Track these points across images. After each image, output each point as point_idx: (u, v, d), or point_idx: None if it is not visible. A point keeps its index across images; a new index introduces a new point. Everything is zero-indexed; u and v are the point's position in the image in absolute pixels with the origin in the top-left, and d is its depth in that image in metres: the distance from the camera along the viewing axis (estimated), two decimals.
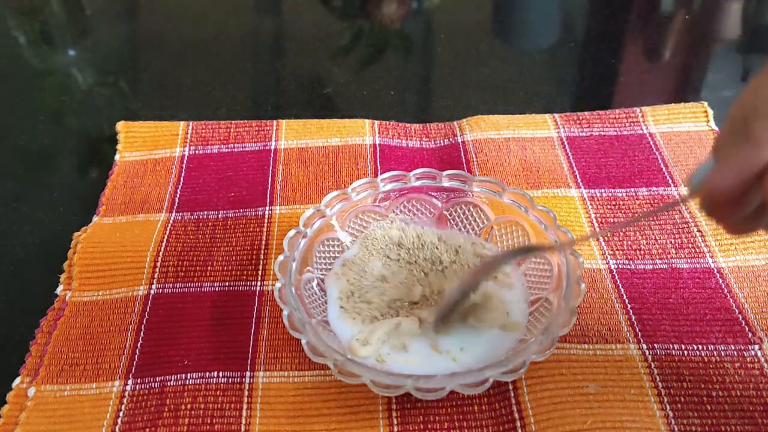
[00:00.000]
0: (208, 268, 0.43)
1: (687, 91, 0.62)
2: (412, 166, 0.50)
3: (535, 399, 0.35)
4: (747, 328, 0.39)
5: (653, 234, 0.45)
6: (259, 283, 0.42)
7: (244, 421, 0.35)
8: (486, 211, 0.43)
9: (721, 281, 0.41)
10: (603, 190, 0.48)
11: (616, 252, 0.44)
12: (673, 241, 0.44)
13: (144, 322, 0.40)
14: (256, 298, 0.41)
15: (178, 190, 0.49)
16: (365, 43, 0.69)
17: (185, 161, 0.52)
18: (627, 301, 0.40)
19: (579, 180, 0.49)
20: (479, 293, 0.38)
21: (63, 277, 0.43)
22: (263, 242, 0.45)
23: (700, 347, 0.38)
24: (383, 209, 0.44)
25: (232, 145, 0.53)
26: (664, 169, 0.49)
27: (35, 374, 0.38)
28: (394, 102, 0.60)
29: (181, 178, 0.50)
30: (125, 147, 0.53)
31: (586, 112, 0.55)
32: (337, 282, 0.41)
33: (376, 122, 0.54)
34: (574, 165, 0.50)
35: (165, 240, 0.45)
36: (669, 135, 0.52)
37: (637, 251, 0.44)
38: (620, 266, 0.43)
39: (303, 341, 0.35)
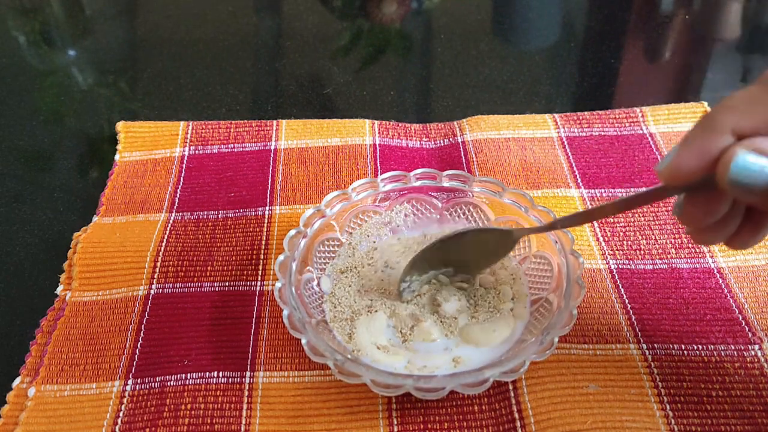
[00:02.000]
0: (208, 268, 0.43)
1: (687, 91, 0.62)
2: (412, 166, 0.50)
3: (535, 399, 0.35)
4: (747, 328, 0.39)
5: (653, 234, 0.45)
6: (259, 283, 0.42)
7: (244, 421, 0.35)
8: (486, 211, 0.43)
9: (721, 281, 0.41)
10: (603, 190, 0.48)
11: (616, 252, 0.44)
12: (673, 241, 0.44)
13: (144, 322, 0.40)
14: (256, 298, 0.41)
15: (178, 190, 0.49)
16: (365, 43, 0.69)
17: (185, 161, 0.52)
18: (627, 301, 0.40)
19: (579, 180, 0.49)
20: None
21: (63, 277, 0.43)
22: (263, 242, 0.45)
23: (700, 347, 0.38)
24: (383, 209, 0.44)
25: (232, 145, 0.53)
26: None
27: (35, 374, 0.38)
28: (394, 102, 0.60)
29: (181, 178, 0.50)
30: (125, 147, 0.53)
31: (586, 112, 0.55)
32: (330, 282, 0.42)
33: (376, 122, 0.54)
34: (574, 165, 0.50)
35: (165, 240, 0.45)
36: (669, 135, 0.52)
37: (637, 251, 0.44)
38: (620, 266, 0.43)
39: (303, 341, 0.35)
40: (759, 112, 0.26)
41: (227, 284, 0.42)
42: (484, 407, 0.36)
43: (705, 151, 0.27)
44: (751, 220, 0.31)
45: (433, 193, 0.44)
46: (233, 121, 0.55)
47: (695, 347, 0.38)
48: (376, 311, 0.39)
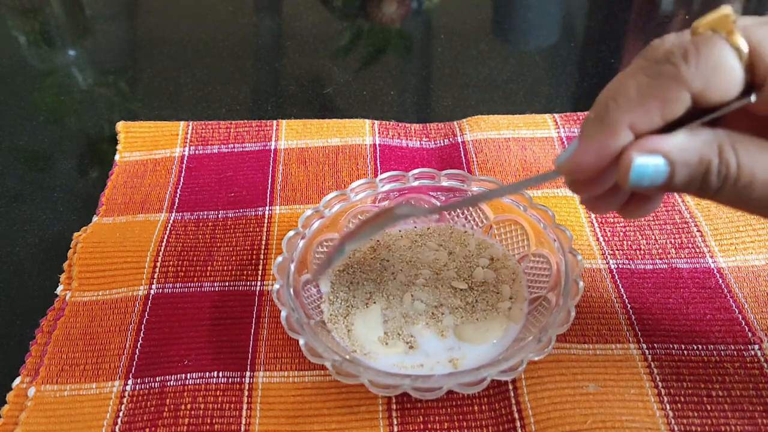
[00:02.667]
0: (208, 268, 0.43)
1: None
2: (412, 166, 0.50)
3: (535, 399, 0.35)
4: (747, 328, 0.39)
5: (653, 234, 0.45)
6: (259, 283, 0.42)
7: (244, 421, 0.35)
8: (485, 211, 0.43)
9: (721, 281, 0.41)
10: None
11: (616, 252, 0.44)
12: (673, 241, 0.44)
13: (144, 322, 0.40)
14: (256, 298, 0.41)
15: (178, 190, 0.49)
16: (365, 43, 0.69)
17: (185, 161, 0.52)
18: (627, 301, 0.40)
19: None
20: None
21: (63, 277, 0.43)
22: (263, 242, 0.45)
23: (700, 347, 0.38)
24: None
25: (232, 145, 0.53)
26: None
27: (35, 374, 0.38)
28: (394, 102, 0.60)
29: (181, 178, 0.50)
30: (125, 147, 0.53)
31: (586, 112, 0.55)
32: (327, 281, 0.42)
33: (376, 122, 0.54)
34: None
35: (165, 240, 0.45)
36: None
37: (637, 251, 0.43)
38: (620, 266, 0.43)
39: (301, 342, 0.35)
40: (651, 108, 0.27)
41: (227, 284, 0.42)
42: (483, 407, 0.36)
43: (604, 151, 0.28)
44: (640, 194, 0.32)
45: (432, 193, 0.44)
46: (233, 121, 0.55)
47: (695, 347, 0.38)
48: (374, 303, 0.39)
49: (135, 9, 0.77)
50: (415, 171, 0.43)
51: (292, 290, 0.37)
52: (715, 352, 0.37)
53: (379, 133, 0.53)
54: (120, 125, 0.55)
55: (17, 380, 0.38)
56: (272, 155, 0.52)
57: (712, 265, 0.42)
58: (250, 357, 0.38)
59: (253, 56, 0.68)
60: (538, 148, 0.51)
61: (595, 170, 0.29)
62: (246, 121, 0.55)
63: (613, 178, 0.30)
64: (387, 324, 0.38)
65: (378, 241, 0.43)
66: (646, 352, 0.38)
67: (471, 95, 0.60)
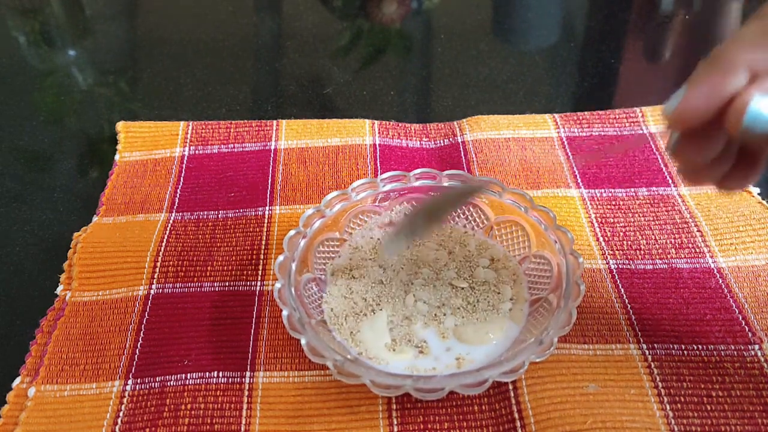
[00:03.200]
0: (208, 268, 0.43)
1: None
2: (412, 166, 0.50)
3: (535, 399, 0.35)
4: (747, 328, 0.39)
5: (653, 234, 0.45)
6: (259, 283, 0.42)
7: (244, 421, 0.35)
8: (486, 211, 0.43)
9: (721, 281, 0.41)
10: (603, 190, 0.48)
11: (616, 252, 0.44)
12: (673, 241, 0.44)
13: (144, 322, 0.40)
14: (256, 298, 0.41)
15: (178, 190, 0.49)
16: (365, 43, 0.69)
17: (185, 161, 0.52)
18: (627, 301, 0.40)
19: (579, 180, 0.49)
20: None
21: (63, 277, 0.43)
22: (263, 242, 0.45)
23: (700, 347, 0.38)
24: (383, 209, 0.44)
25: (232, 145, 0.53)
26: (663, 169, 0.49)
27: (35, 374, 0.38)
28: (394, 102, 0.60)
29: (181, 178, 0.50)
30: (125, 147, 0.53)
31: (586, 112, 0.55)
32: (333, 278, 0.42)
33: (376, 122, 0.54)
34: (574, 165, 0.50)
35: (165, 240, 0.45)
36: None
37: (637, 251, 0.44)
38: (620, 266, 0.43)
39: (302, 341, 0.35)
40: None
41: (227, 284, 0.42)
42: (484, 407, 0.36)
43: (716, 93, 0.25)
44: (744, 160, 0.30)
45: (433, 193, 0.44)
46: (233, 121, 0.55)
47: (695, 347, 0.38)
48: (381, 309, 0.39)
49: (135, 9, 0.77)
50: (417, 171, 0.43)
51: (293, 289, 0.37)
52: (715, 352, 0.38)
53: (379, 133, 0.53)
54: (120, 125, 0.55)
55: (17, 380, 0.38)
56: (272, 155, 0.52)
57: (712, 265, 0.42)
58: (250, 357, 0.38)
59: (253, 56, 0.68)
60: (538, 148, 0.51)
61: (704, 116, 0.26)
62: (246, 121, 0.55)
63: (719, 144, 0.28)
64: (393, 331, 0.38)
65: (379, 240, 0.43)
66: (646, 352, 0.38)
67: (471, 95, 0.60)
